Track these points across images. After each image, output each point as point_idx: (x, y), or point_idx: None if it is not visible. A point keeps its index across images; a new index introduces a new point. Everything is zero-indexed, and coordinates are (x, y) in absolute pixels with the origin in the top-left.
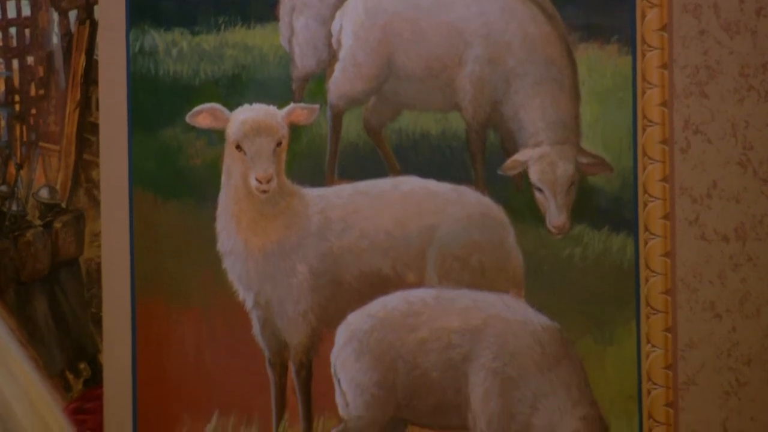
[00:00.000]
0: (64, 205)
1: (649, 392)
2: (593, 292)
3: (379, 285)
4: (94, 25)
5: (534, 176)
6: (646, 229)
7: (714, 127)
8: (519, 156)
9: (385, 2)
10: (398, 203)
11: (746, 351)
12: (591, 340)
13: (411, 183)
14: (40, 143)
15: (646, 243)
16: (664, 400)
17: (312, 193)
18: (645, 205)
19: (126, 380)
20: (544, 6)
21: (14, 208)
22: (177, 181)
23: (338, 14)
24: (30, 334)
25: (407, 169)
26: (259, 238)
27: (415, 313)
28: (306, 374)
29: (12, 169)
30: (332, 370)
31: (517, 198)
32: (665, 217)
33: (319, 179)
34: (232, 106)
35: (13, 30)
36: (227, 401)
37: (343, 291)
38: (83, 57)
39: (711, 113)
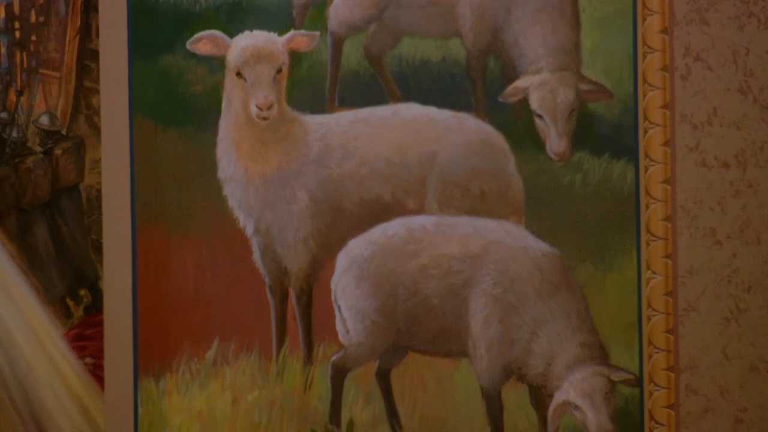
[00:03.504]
0: (64, 131)
1: (649, 319)
2: (593, 219)
3: (379, 212)
4: None
5: (534, 103)
6: (647, 155)
7: (714, 54)
8: (519, 83)
9: None
10: (398, 130)
11: (746, 277)
12: (591, 266)
13: (411, 110)
14: (41, 70)
15: (646, 170)
16: (664, 327)
17: (312, 120)
18: (645, 131)
19: (126, 307)
20: None
21: (14, 134)
22: (177, 108)
23: None
24: (30, 261)
25: (407, 96)
26: (259, 165)
27: (416, 239)
28: (306, 301)
29: (12, 96)
30: (332, 297)
31: (517, 125)
32: (665, 143)
33: (319, 106)
34: (232, 33)
35: None
36: (228, 328)
37: (343, 218)
38: None
39: (711, 40)
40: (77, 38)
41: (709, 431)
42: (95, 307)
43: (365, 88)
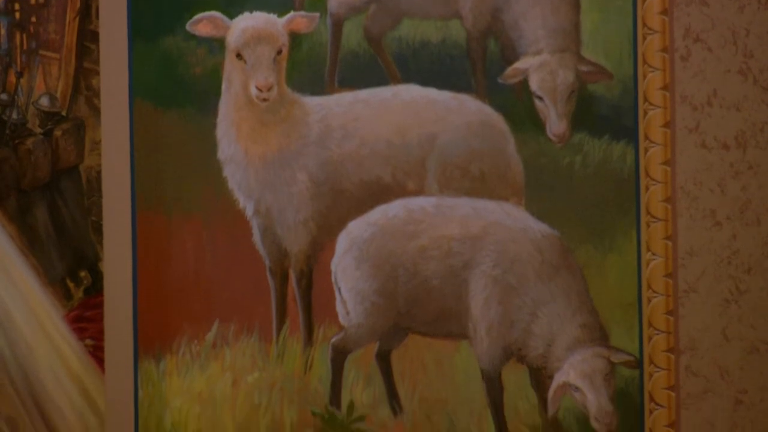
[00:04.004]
0: (64, 113)
1: (649, 300)
2: (593, 201)
3: (379, 193)
4: None
5: (534, 84)
6: (647, 137)
7: (714, 35)
8: (519, 64)
9: None
10: (398, 111)
11: (746, 259)
12: (591, 248)
13: (411, 91)
14: (41, 51)
15: (646, 151)
16: (664, 308)
17: (312, 101)
18: (645, 113)
19: (126, 288)
20: None
21: (14, 116)
22: (177, 89)
23: None
24: (30, 242)
25: (407, 77)
26: (259, 147)
27: (416, 220)
28: (306, 283)
29: (12, 78)
30: (333, 279)
31: (517, 106)
32: (665, 125)
33: (319, 88)
34: (232, 15)
35: None
36: (228, 310)
37: (343, 199)
38: None
39: (711, 21)
40: (77, 19)
41: (709, 413)
42: (95, 288)
43: (365, 70)
